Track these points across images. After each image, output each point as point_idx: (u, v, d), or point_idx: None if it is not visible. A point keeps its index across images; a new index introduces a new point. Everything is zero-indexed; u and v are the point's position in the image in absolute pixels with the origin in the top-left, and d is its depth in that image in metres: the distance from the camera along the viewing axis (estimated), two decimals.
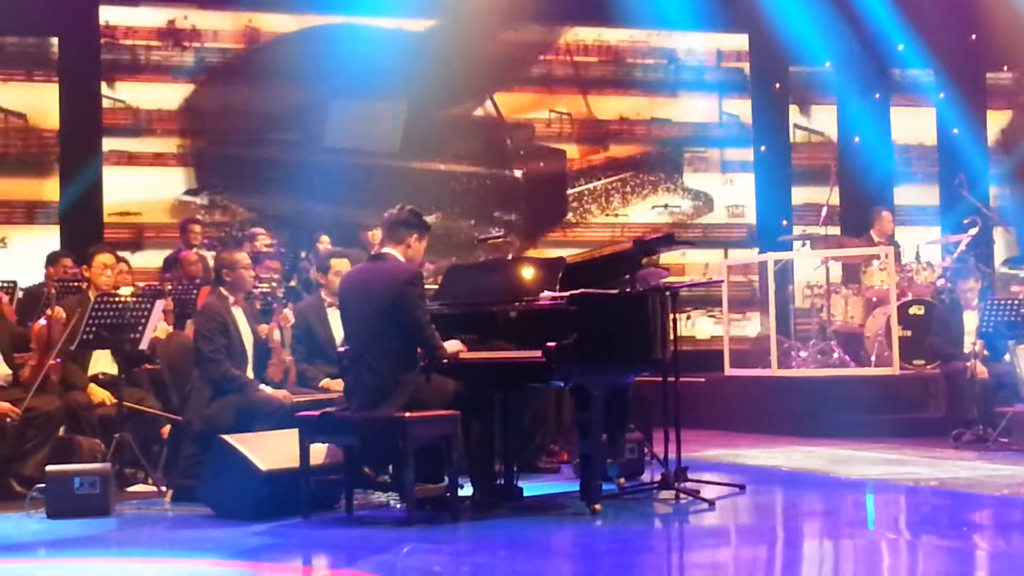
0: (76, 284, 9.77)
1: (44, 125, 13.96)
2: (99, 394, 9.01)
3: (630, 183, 16.26)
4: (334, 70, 14.39)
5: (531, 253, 14.61)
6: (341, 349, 8.14)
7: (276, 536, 7.20)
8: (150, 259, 13.38)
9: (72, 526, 7.51)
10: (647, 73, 16.35)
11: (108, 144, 14.11)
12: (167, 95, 14.39)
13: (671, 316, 8.13)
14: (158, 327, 9.23)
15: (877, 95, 16.97)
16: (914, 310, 12.88)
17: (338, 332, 8.69)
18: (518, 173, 15.67)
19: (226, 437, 7.68)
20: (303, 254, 12.15)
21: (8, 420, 8.53)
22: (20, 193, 13.93)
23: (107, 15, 14.24)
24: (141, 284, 10.82)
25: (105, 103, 14.15)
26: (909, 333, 12.71)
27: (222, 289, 8.57)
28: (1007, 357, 10.80)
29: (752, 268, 15.42)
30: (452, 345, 7.57)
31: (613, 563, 6.57)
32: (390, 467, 7.85)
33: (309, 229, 12.94)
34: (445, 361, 7.51)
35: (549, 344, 7.35)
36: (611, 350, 7.66)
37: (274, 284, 10.45)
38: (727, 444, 11.43)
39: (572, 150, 15.97)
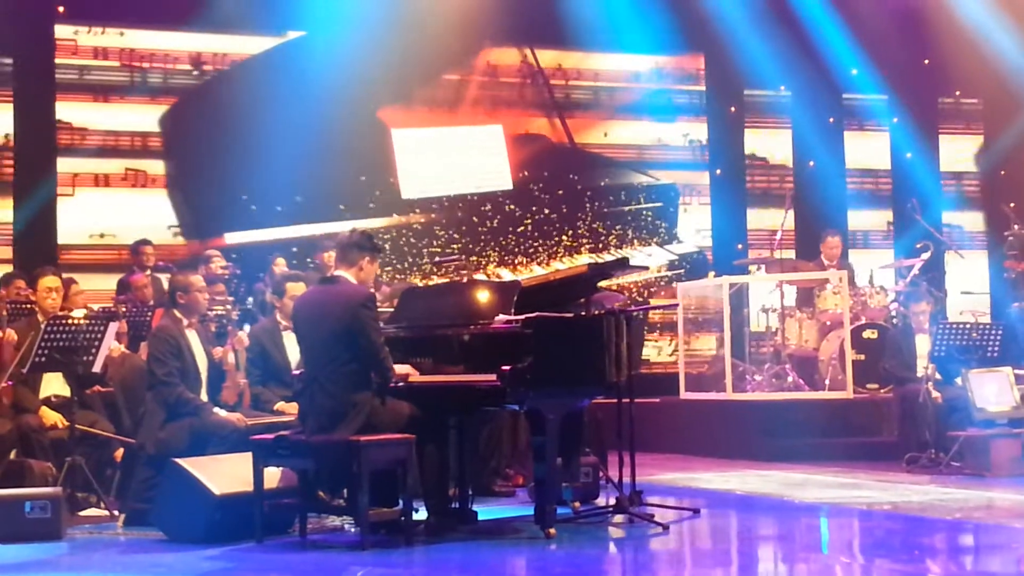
0: (29, 306, 9.70)
1: None
2: (51, 417, 8.93)
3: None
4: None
5: None
6: (296, 372, 8.12)
7: (229, 560, 7.15)
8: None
9: (23, 551, 7.43)
10: (602, 96, 16.38)
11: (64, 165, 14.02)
12: (124, 116, 14.30)
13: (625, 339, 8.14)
14: (111, 346, 9.17)
15: (831, 120, 17.10)
16: (867, 334, 12.95)
17: (293, 355, 8.66)
18: None
19: (179, 461, 7.64)
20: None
21: None
22: None
23: (63, 34, 14.14)
24: (95, 307, 10.76)
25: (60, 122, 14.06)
26: (863, 357, 12.77)
27: (176, 311, 8.52)
28: (959, 381, 10.86)
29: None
30: (402, 368, 7.57)
31: None
32: (344, 491, 7.80)
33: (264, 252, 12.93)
34: (399, 384, 7.51)
35: (504, 367, 7.35)
36: (566, 373, 7.66)
37: (229, 307, 10.41)
38: (682, 468, 11.45)
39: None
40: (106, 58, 14.34)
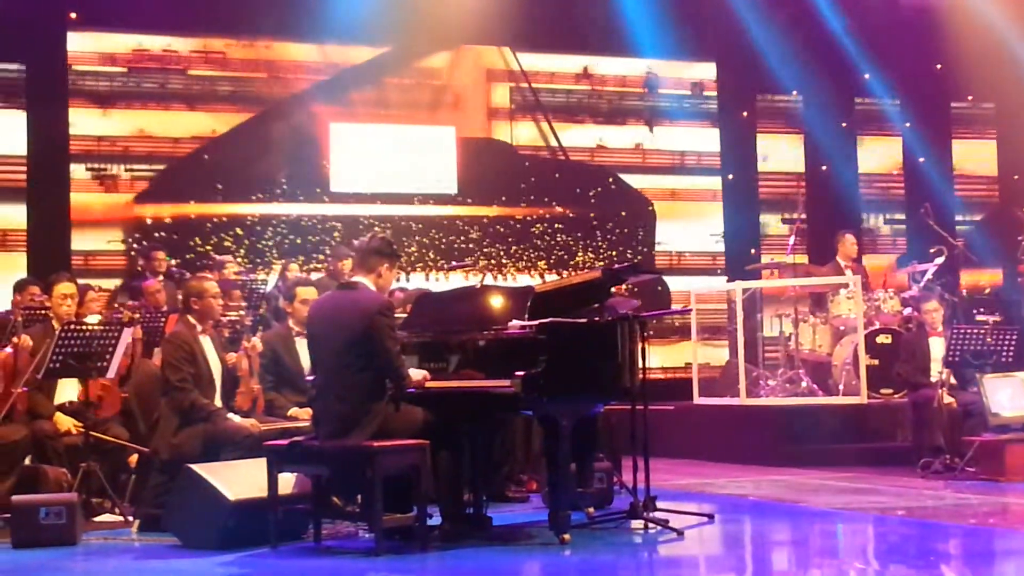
0: (43, 312, 9.71)
1: (12, 151, 13.86)
2: (65, 423, 8.95)
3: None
4: None
5: None
6: (310, 378, 8.12)
7: (244, 567, 7.16)
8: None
9: (38, 556, 7.46)
10: (612, 101, 16.37)
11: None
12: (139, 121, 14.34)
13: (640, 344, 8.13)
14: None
15: (844, 124, 17.08)
16: (881, 339, 12.93)
17: (306, 361, 8.67)
18: None
19: (193, 466, 7.65)
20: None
21: None
22: None
23: (75, 42, 14.16)
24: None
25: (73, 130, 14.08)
26: (876, 362, 12.75)
27: (190, 317, 8.53)
28: (975, 386, 10.83)
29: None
30: (416, 373, 7.56)
31: None
32: (359, 497, 7.82)
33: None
34: (412, 391, 7.51)
35: (518, 373, 7.35)
36: (580, 379, 7.65)
37: (242, 312, 10.42)
38: (696, 473, 11.43)
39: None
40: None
